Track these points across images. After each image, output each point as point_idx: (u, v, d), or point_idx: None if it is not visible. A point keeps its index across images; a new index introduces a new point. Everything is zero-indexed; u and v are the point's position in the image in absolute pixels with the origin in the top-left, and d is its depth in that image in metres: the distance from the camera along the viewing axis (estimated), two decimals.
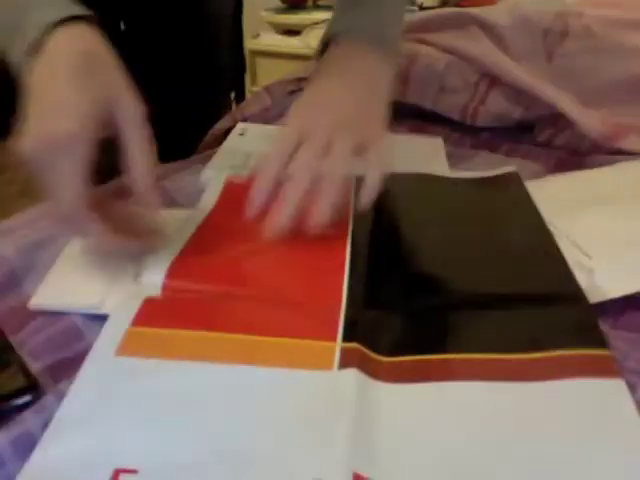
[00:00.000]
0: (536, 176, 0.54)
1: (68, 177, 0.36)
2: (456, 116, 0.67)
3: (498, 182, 0.52)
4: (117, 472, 0.26)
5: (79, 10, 0.40)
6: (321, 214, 0.40)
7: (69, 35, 0.39)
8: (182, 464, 0.27)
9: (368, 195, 0.42)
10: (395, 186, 0.50)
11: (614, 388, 0.30)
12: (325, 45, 0.52)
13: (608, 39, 0.65)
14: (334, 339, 0.34)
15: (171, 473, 0.27)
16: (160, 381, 0.31)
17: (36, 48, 0.38)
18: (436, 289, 0.39)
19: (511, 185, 0.51)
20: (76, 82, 0.37)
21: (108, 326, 0.35)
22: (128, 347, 0.34)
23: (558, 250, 0.41)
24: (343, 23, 0.52)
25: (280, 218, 0.40)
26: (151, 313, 0.36)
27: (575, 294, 0.37)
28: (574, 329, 0.34)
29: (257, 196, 0.41)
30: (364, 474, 0.26)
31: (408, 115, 0.69)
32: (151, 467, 0.27)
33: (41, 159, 0.36)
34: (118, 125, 0.39)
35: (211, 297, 0.38)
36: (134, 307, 0.36)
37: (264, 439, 0.28)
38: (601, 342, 0.33)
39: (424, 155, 0.60)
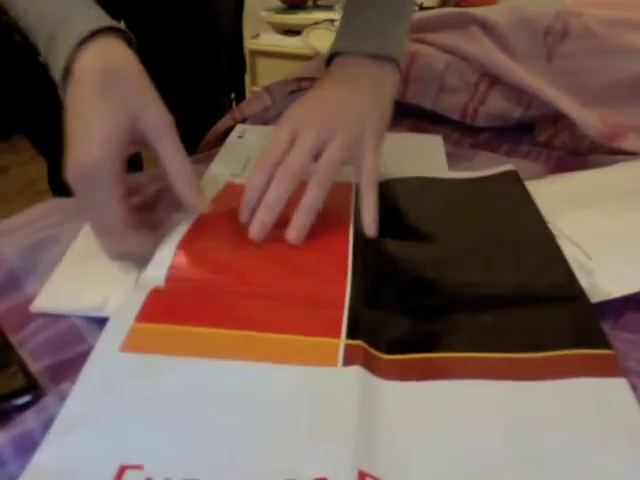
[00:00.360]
0: (536, 176, 0.54)
1: (104, 202, 0.38)
2: (456, 116, 0.67)
3: (497, 181, 0.52)
4: (123, 468, 0.26)
5: (105, 21, 0.41)
6: (298, 227, 0.41)
7: (93, 53, 0.39)
8: (188, 460, 0.27)
9: (371, 220, 0.42)
10: (394, 189, 0.50)
11: (616, 387, 0.30)
12: (330, 59, 0.52)
13: (608, 39, 0.65)
14: (338, 335, 0.34)
15: (177, 468, 0.27)
16: (165, 377, 0.31)
17: (67, 72, 0.40)
18: (437, 289, 0.39)
19: (510, 184, 0.51)
20: (97, 103, 0.38)
21: (112, 322, 0.35)
22: (133, 343, 0.33)
23: (558, 249, 0.41)
24: (348, 34, 0.52)
25: (258, 226, 0.41)
26: (155, 308, 0.36)
27: (576, 294, 0.37)
28: (576, 329, 0.34)
29: (247, 200, 0.42)
30: (369, 472, 0.26)
31: (408, 115, 0.69)
32: (157, 463, 0.27)
33: (77, 188, 0.38)
34: (147, 139, 0.39)
35: (215, 291, 0.38)
36: (138, 302, 0.36)
37: (268, 435, 0.28)
38: (603, 342, 0.33)
39: (423, 153, 0.60)
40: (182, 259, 0.40)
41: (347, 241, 0.43)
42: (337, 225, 0.43)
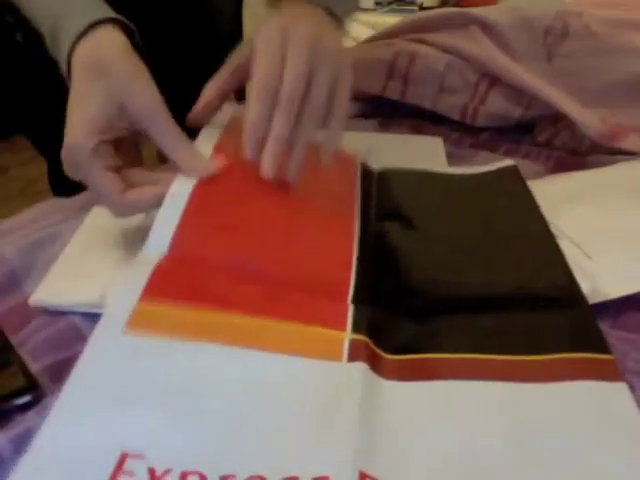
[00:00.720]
0: (536, 176, 0.54)
1: (90, 179, 0.39)
2: (456, 116, 0.67)
3: (497, 177, 0.51)
4: (124, 456, 0.26)
5: (104, 13, 0.41)
6: (296, 160, 0.40)
7: (87, 45, 0.40)
8: (189, 450, 0.27)
9: (331, 144, 0.41)
10: (393, 182, 0.49)
11: (616, 390, 0.30)
12: None
13: (608, 39, 0.65)
14: (344, 328, 0.34)
15: (178, 459, 0.26)
16: (168, 364, 0.31)
17: (69, 66, 0.40)
18: (436, 289, 0.39)
19: (510, 180, 0.50)
20: (84, 93, 0.39)
21: (115, 300, 0.34)
22: (137, 324, 0.32)
23: (558, 248, 0.41)
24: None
25: (270, 161, 0.40)
26: (159, 286, 0.35)
27: (575, 296, 0.37)
28: (576, 333, 0.34)
29: (251, 135, 0.40)
30: (369, 473, 0.26)
31: (408, 115, 0.69)
32: (158, 452, 0.26)
33: (68, 171, 0.40)
34: (138, 124, 0.40)
35: (220, 270, 0.37)
36: (142, 278, 0.35)
37: (270, 430, 0.28)
38: (603, 347, 0.33)
39: (424, 155, 0.60)
40: (185, 231, 0.38)
41: (352, 230, 0.42)
42: (342, 211, 0.43)
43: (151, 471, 0.26)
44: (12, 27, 0.62)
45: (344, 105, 0.42)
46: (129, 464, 0.26)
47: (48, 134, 0.72)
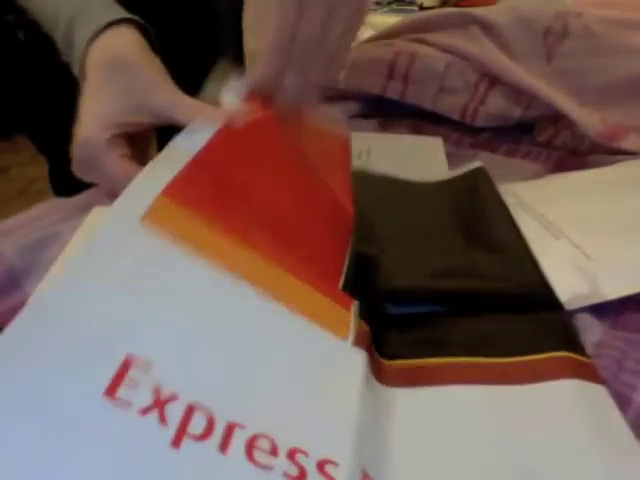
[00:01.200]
0: (536, 176, 0.54)
1: (102, 177, 0.40)
2: (456, 116, 0.67)
3: (465, 181, 0.51)
4: (129, 361, 0.22)
5: (118, 13, 0.41)
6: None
7: (100, 45, 0.40)
8: (201, 379, 0.23)
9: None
10: (366, 190, 0.49)
11: (600, 392, 0.30)
12: None
13: (608, 39, 0.65)
14: (349, 309, 0.32)
15: (188, 385, 0.22)
16: (189, 277, 0.27)
17: (82, 67, 0.41)
18: (413, 296, 0.38)
19: (478, 182, 0.50)
20: (97, 89, 0.39)
21: (134, 190, 0.30)
22: (156, 219, 0.28)
23: (529, 251, 0.40)
24: None
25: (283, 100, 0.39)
26: (184, 188, 0.30)
27: (550, 299, 0.37)
28: (558, 333, 0.34)
29: (260, 88, 0.39)
30: (370, 474, 0.25)
31: (408, 115, 0.69)
32: (168, 369, 0.23)
33: (78, 172, 0.41)
34: (160, 116, 0.39)
35: (242, 198, 0.33)
36: (166, 176, 0.31)
37: (277, 387, 0.26)
38: (582, 348, 0.33)
39: (424, 155, 0.60)
40: (215, 146, 0.34)
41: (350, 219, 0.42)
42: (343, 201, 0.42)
43: (156, 390, 0.21)
44: (14, 26, 0.62)
45: (349, 47, 0.42)
46: (134, 372, 0.21)
47: (49, 134, 0.73)
